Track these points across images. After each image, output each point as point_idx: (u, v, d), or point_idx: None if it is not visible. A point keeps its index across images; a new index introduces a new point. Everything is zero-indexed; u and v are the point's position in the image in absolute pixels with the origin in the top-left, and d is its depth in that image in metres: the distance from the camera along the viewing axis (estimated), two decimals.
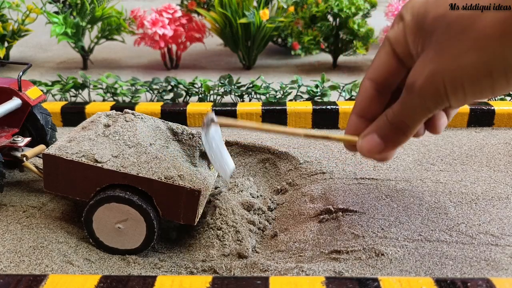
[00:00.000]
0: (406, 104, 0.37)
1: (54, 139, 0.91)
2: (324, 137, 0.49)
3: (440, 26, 0.33)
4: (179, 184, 0.66)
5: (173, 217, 0.68)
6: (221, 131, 0.63)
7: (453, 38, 0.32)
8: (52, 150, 0.69)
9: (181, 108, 1.15)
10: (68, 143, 0.70)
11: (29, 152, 0.80)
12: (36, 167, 0.80)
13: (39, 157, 0.84)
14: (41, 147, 0.83)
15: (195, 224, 0.69)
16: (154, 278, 0.55)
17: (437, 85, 0.34)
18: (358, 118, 0.42)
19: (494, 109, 1.12)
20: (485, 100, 1.21)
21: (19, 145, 0.80)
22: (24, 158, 0.79)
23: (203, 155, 0.84)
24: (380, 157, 0.42)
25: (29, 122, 0.89)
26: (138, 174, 0.66)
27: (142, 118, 0.81)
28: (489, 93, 0.34)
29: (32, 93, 0.87)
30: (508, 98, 1.23)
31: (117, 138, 0.74)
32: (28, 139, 0.83)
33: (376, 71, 0.40)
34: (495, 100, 1.22)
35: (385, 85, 0.40)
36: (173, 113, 1.14)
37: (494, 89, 0.33)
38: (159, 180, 0.66)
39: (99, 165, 0.67)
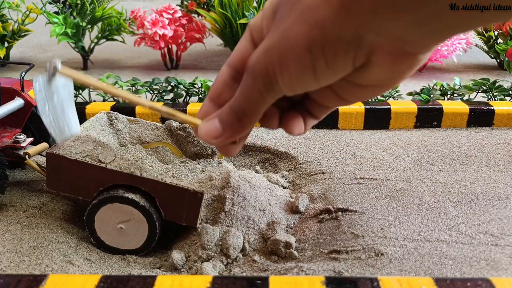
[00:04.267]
0: (242, 87, 0.35)
1: (56, 142, 0.91)
2: (169, 114, 0.47)
3: (280, 5, 0.32)
4: (182, 186, 0.66)
5: (176, 218, 0.68)
6: (74, 90, 0.56)
7: (285, 13, 0.31)
8: (56, 149, 0.69)
9: (181, 108, 1.15)
10: (72, 142, 0.71)
11: (32, 150, 0.80)
12: (39, 165, 0.80)
13: (41, 155, 0.84)
14: (43, 145, 0.83)
15: (197, 225, 0.69)
16: (154, 278, 0.55)
17: (266, 62, 0.32)
18: (211, 102, 0.40)
19: (493, 109, 1.12)
20: (486, 100, 1.21)
21: (21, 145, 0.80)
22: (27, 156, 0.79)
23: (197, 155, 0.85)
24: (219, 144, 0.39)
25: (32, 123, 0.89)
26: (141, 175, 0.66)
27: (138, 121, 0.82)
28: (312, 74, 0.32)
29: None
30: (508, 98, 1.23)
31: (121, 138, 0.74)
32: (31, 139, 0.83)
33: (234, 57, 0.39)
34: (495, 100, 1.22)
35: (241, 72, 0.37)
36: None
37: (316, 69, 0.31)
38: (163, 181, 0.66)
39: (103, 165, 0.67)
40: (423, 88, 1.22)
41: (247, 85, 0.35)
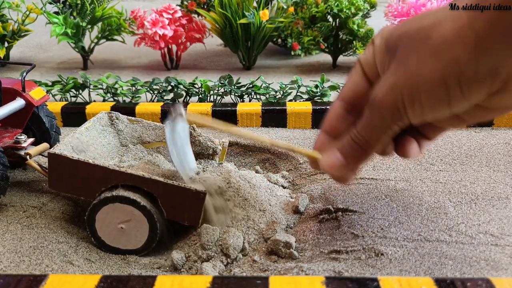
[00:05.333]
0: (366, 120, 0.36)
1: (57, 142, 0.91)
2: (288, 149, 0.48)
3: (402, 41, 0.33)
4: (184, 186, 0.66)
5: (178, 218, 0.68)
6: (188, 130, 0.61)
7: (413, 49, 0.32)
8: (57, 149, 0.70)
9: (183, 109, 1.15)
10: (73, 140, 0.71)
11: (33, 150, 0.80)
12: (40, 165, 0.81)
13: (43, 155, 0.84)
14: (44, 146, 0.83)
15: (199, 225, 0.69)
16: (154, 278, 0.55)
17: (395, 97, 0.33)
18: (326, 135, 0.42)
19: None
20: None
21: (22, 145, 0.80)
22: (28, 156, 0.79)
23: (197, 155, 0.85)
24: (340, 176, 0.41)
25: (34, 124, 0.89)
26: (143, 175, 0.66)
27: (139, 121, 0.82)
28: (446, 105, 0.32)
29: (36, 94, 0.87)
30: None
31: (122, 138, 0.74)
32: (32, 139, 0.83)
33: (346, 92, 0.40)
34: None
35: (354, 105, 0.39)
36: None
37: (450, 101, 0.32)
38: (165, 181, 0.66)
39: (105, 165, 0.67)
40: None
41: (372, 119, 0.36)
